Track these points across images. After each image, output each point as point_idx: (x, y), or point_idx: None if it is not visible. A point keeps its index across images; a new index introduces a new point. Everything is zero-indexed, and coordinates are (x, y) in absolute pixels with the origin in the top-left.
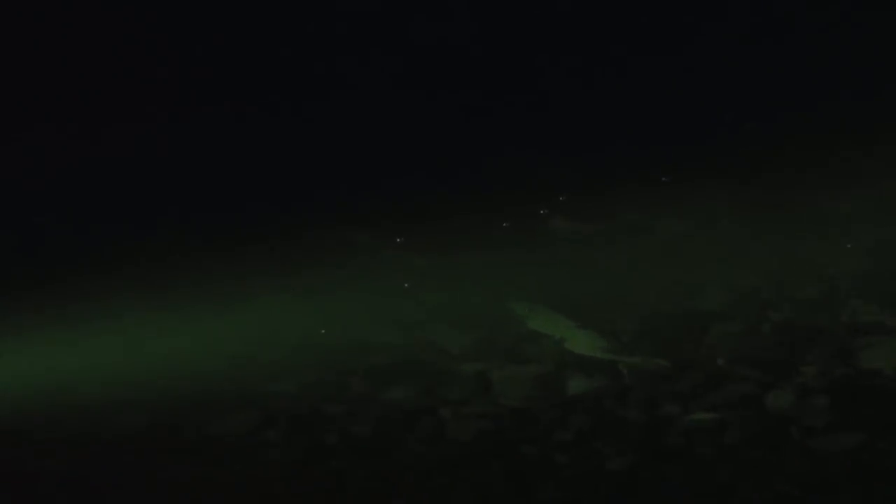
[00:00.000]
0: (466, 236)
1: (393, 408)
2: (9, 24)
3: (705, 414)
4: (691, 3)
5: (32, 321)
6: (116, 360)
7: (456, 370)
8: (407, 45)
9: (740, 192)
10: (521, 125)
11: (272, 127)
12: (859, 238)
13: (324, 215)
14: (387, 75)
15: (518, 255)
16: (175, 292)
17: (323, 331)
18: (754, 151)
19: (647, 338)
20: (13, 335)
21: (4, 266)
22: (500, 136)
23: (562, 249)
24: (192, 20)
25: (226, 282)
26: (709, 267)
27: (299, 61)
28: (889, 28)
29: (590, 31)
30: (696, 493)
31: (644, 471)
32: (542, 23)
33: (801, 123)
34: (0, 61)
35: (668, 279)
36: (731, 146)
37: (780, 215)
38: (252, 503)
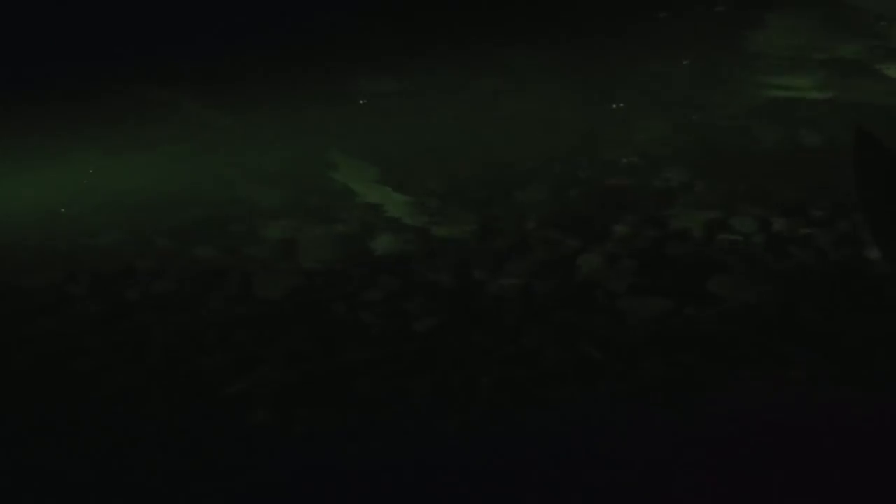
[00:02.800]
0: (277, 94)
1: (199, 265)
2: None
3: (513, 279)
4: None
5: None
6: None
7: (264, 229)
8: None
9: (554, 53)
10: None
11: None
12: (669, 103)
13: (137, 73)
14: None
15: (329, 114)
16: None
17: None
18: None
19: (457, 199)
20: None
21: None
22: None
23: (374, 108)
24: None
25: (38, 137)
26: (520, 128)
27: None
28: None
29: None
30: (502, 356)
31: (451, 333)
32: None
33: None
34: None
35: (478, 141)
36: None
37: (594, 79)
38: (55, 355)
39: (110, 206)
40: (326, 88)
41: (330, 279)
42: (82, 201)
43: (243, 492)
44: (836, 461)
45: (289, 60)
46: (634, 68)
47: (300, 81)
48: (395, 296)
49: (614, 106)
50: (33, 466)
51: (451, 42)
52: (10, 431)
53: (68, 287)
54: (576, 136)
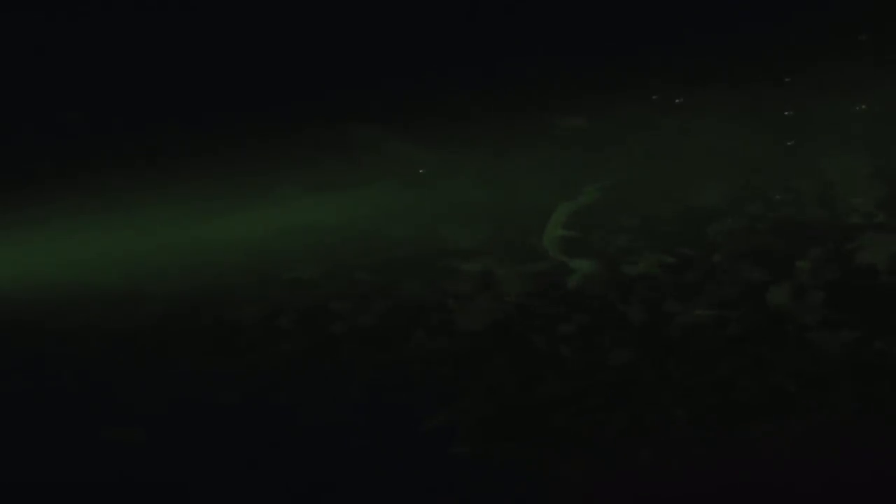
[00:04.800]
0: (477, 134)
1: (401, 300)
2: None
3: (705, 310)
4: None
5: (54, 213)
6: (134, 252)
7: (462, 266)
8: None
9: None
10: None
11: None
12: (852, 140)
13: (333, 112)
14: None
15: (527, 155)
16: (193, 188)
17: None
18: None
19: (648, 236)
20: (28, 226)
21: (28, 162)
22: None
23: (569, 148)
24: None
25: (242, 177)
26: (706, 165)
27: None
28: None
29: None
30: (695, 386)
31: (645, 365)
32: None
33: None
34: None
35: (668, 178)
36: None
37: (774, 117)
38: (263, 388)
39: (314, 242)
40: (523, 127)
41: (527, 313)
42: (286, 238)
43: None
44: None
45: (490, 100)
46: (817, 107)
47: (498, 120)
48: (588, 329)
49: (794, 143)
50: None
51: (635, 81)
52: (215, 466)
53: (276, 321)
54: (760, 172)
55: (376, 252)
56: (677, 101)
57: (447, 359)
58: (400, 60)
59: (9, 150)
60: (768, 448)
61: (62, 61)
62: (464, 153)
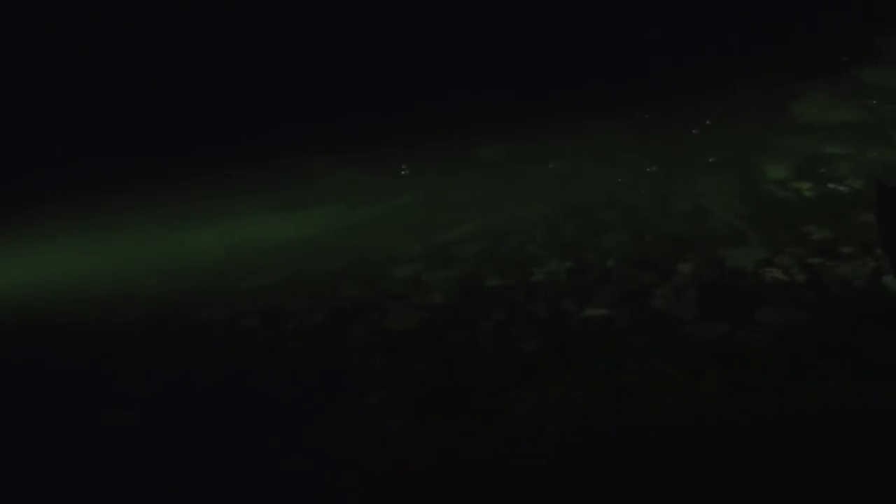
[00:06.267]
0: (413, 160)
1: (344, 301)
2: None
3: (598, 309)
4: None
5: (56, 230)
6: (122, 262)
7: (395, 271)
8: None
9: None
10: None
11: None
12: (719, 164)
13: (289, 146)
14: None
15: (448, 177)
16: (174, 209)
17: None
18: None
19: (555, 245)
20: (38, 241)
21: (25, 188)
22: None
23: (485, 174)
24: None
25: (212, 198)
26: (602, 190)
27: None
28: None
29: None
30: (591, 371)
31: (550, 352)
32: None
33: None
34: None
35: (571, 199)
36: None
37: (658, 147)
38: (230, 375)
39: (272, 253)
40: (449, 155)
41: (451, 312)
42: (249, 250)
43: (383, 484)
44: (862, 461)
45: (422, 131)
46: (695, 138)
47: (429, 150)
48: (502, 324)
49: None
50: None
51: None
52: (195, 440)
53: (240, 320)
54: (647, 194)
55: (323, 261)
56: (580, 132)
57: (383, 349)
58: (346, 100)
59: (21, 181)
60: (651, 420)
61: (66, 107)
62: (397, 178)
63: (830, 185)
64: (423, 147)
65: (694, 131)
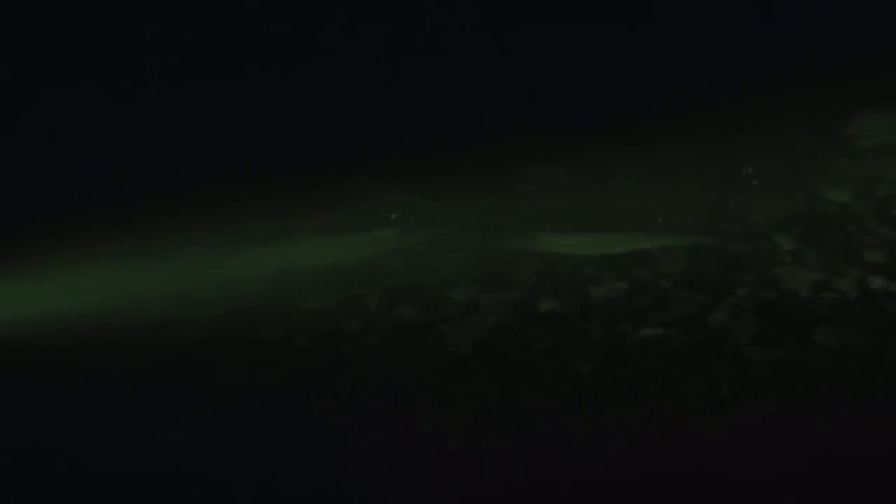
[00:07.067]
0: (461, 185)
1: (402, 323)
2: None
3: (654, 329)
4: None
5: (110, 253)
6: (176, 285)
7: (450, 294)
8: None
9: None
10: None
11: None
12: (770, 189)
13: (343, 169)
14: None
15: (502, 201)
16: (228, 232)
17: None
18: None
19: (610, 265)
20: (93, 264)
21: (84, 211)
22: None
23: (538, 196)
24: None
25: (267, 222)
26: (657, 213)
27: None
28: None
29: None
30: (647, 393)
31: (606, 374)
32: None
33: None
34: None
35: (627, 220)
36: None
37: (709, 171)
38: (286, 398)
39: (326, 277)
40: (497, 178)
41: (507, 333)
42: (304, 273)
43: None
44: None
45: (475, 153)
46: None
47: (481, 172)
48: (558, 346)
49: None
50: None
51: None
52: (248, 462)
53: (293, 341)
54: (699, 217)
55: (379, 284)
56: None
57: (440, 372)
58: (399, 121)
59: (75, 203)
60: (707, 442)
61: (119, 127)
62: (448, 201)
63: (887, 208)
64: (476, 169)
65: (743, 171)
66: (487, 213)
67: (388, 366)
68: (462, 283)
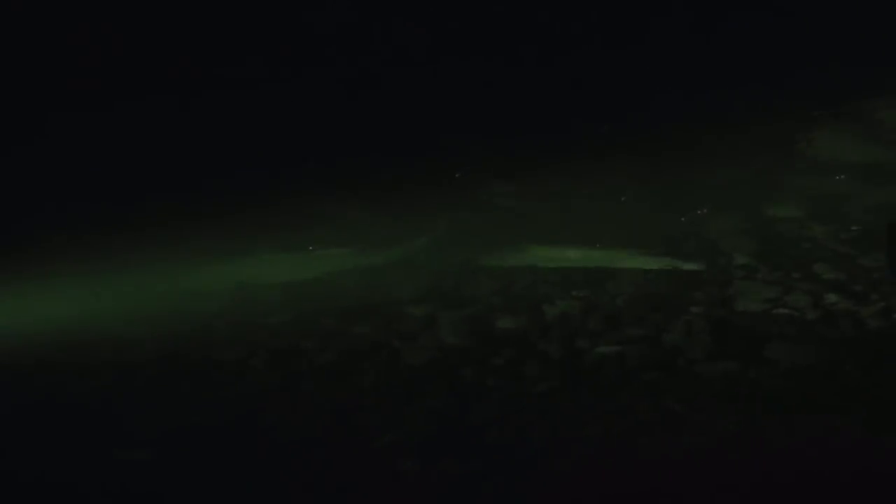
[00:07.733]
0: (418, 204)
1: (356, 341)
2: None
3: (609, 347)
4: None
5: (65, 271)
6: (132, 303)
7: (407, 311)
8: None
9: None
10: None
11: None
12: (731, 204)
13: (299, 188)
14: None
15: (459, 220)
16: (184, 249)
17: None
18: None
19: (565, 283)
20: (47, 282)
21: (39, 230)
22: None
23: (499, 214)
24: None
25: (226, 241)
26: (613, 230)
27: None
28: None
29: None
30: (603, 410)
31: (561, 392)
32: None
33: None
34: None
35: (588, 236)
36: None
37: (668, 186)
38: (240, 415)
39: (283, 294)
40: (453, 197)
41: (462, 351)
42: (261, 291)
43: None
44: (872, 499)
45: (431, 172)
46: (700, 179)
47: (437, 192)
48: (513, 362)
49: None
50: None
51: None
52: (204, 476)
53: (249, 360)
54: (656, 234)
55: (335, 302)
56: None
57: (395, 389)
58: (355, 141)
59: (31, 223)
60: (662, 459)
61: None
62: (405, 220)
63: (841, 225)
64: (432, 188)
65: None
66: (444, 231)
67: (344, 383)
68: (418, 300)
